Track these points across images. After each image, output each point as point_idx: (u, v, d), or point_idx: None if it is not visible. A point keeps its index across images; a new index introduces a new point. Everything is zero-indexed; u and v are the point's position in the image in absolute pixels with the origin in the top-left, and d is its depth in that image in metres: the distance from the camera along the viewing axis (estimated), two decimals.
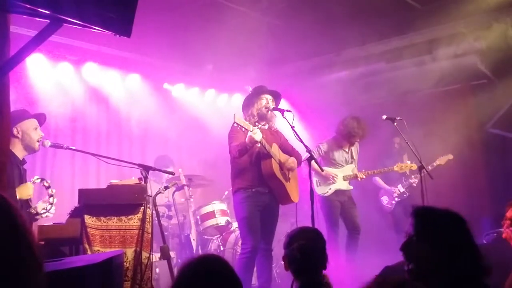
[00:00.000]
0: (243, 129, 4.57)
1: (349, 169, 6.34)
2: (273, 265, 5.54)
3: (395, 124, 5.56)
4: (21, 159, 4.15)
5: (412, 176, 7.02)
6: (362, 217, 6.38)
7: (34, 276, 1.66)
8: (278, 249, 5.31)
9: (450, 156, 6.76)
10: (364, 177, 6.38)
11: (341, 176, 6.25)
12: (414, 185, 6.98)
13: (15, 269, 1.58)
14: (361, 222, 6.26)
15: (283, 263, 2.90)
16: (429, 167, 6.63)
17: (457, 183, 7.19)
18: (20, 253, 1.62)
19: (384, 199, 7.26)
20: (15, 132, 4.03)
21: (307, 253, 2.77)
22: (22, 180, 4.08)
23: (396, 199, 7.12)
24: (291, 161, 5.14)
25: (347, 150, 6.38)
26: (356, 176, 6.32)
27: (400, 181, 7.16)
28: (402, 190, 7.12)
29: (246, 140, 4.65)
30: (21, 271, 1.61)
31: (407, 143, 5.46)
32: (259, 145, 4.73)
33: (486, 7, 6.23)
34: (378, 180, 7.25)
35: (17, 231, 1.63)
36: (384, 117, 5.63)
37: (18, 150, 4.11)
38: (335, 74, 7.94)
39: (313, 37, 6.95)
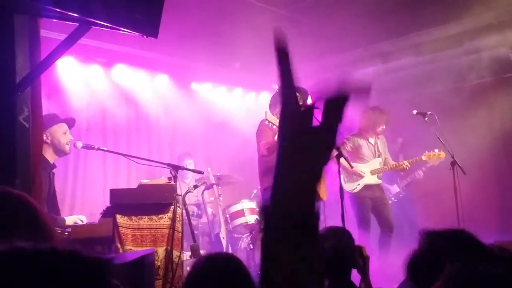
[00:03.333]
0: (274, 126, 4.57)
1: (376, 163, 6.23)
2: None
3: (426, 119, 5.47)
4: (51, 163, 4.23)
5: (408, 178, 6.98)
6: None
7: None
8: None
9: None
10: (408, 166, 6.22)
11: (368, 171, 6.15)
12: (419, 176, 6.92)
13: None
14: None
15: None
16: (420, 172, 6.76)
17: (490, 179, 7.03)
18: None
19: None
20: (44, 137, 4.03)
21: (340, 253, 2.74)
22: (51, 184, 4.14)
23: (392, 198, 7.00)
24: None
25: (372, 143, 6.29)
26: (391, 168, 6.23)
27: (395, 182, 7.08)
28: (397, 190, 7.05)
29: (276, 138, 4.64)
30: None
31: (438, 138, 5.37)
32: None
33: None
34: None
35: (38, 224, 1.68)
36: (415, 112, 5.55)
37: (49, 154, 4.17)
38: (363, 69, 7.85)
39: (341, 33, 6.86)
